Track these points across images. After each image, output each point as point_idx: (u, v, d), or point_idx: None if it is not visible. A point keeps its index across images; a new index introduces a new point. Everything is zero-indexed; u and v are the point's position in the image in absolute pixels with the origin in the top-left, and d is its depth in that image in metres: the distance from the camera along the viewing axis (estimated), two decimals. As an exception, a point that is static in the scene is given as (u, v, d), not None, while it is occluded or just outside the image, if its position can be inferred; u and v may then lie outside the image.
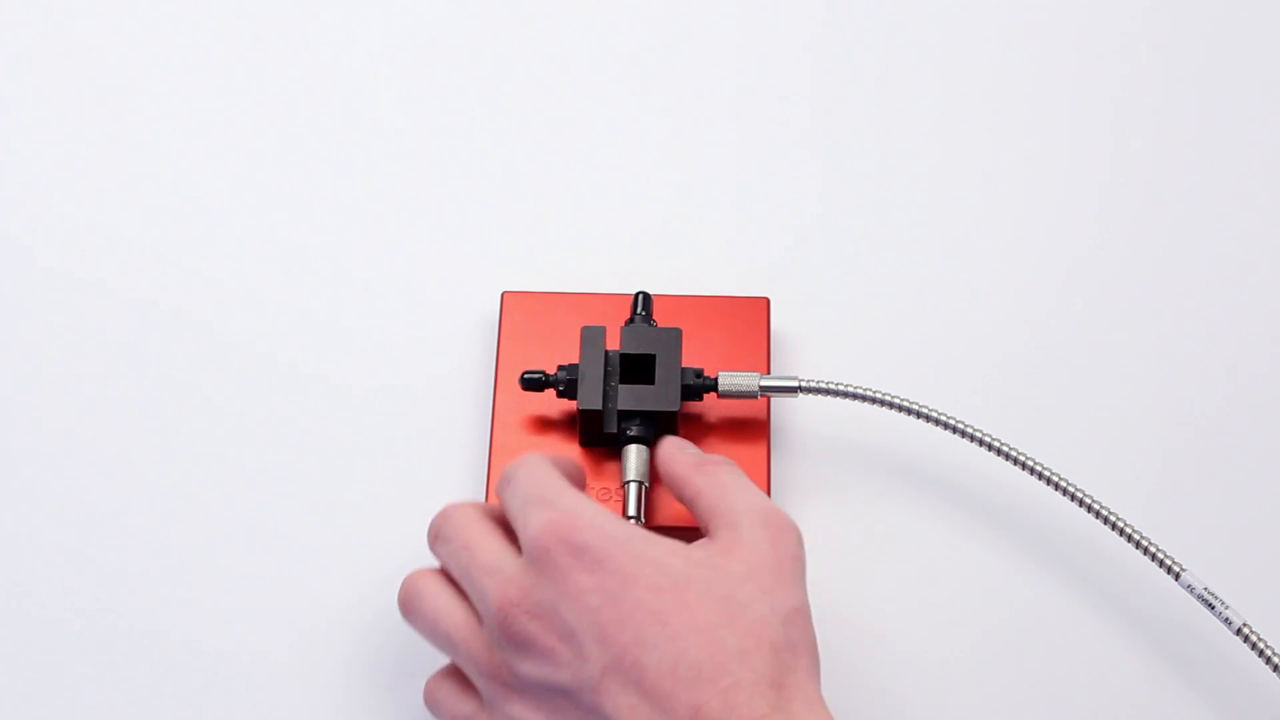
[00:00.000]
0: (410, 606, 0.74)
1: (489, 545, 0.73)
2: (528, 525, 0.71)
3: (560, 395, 0.81)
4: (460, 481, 0.82)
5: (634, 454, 0.79)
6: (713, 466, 0.75)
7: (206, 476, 0.83)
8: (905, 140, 0.93)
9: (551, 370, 0.83)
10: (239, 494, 0.83)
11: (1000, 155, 0.92)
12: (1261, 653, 0.75)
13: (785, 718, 0.67)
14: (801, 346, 0.86)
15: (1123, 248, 0.89)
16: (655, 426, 0.80)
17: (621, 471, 0.79)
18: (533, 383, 0.81)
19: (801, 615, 0.71)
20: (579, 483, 0.76)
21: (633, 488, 0.79)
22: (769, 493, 0.81)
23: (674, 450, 0.77)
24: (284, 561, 0.81)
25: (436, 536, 0.74)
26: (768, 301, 0.85)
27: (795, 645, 0.70)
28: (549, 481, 0.73)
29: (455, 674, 0.75)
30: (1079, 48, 0.95)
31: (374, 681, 0.78)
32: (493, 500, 0.80)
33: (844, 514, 0.82)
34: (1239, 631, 0.76)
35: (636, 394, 0.80)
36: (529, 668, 0.70)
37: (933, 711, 0.78)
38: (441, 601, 0.73)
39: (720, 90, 0.94)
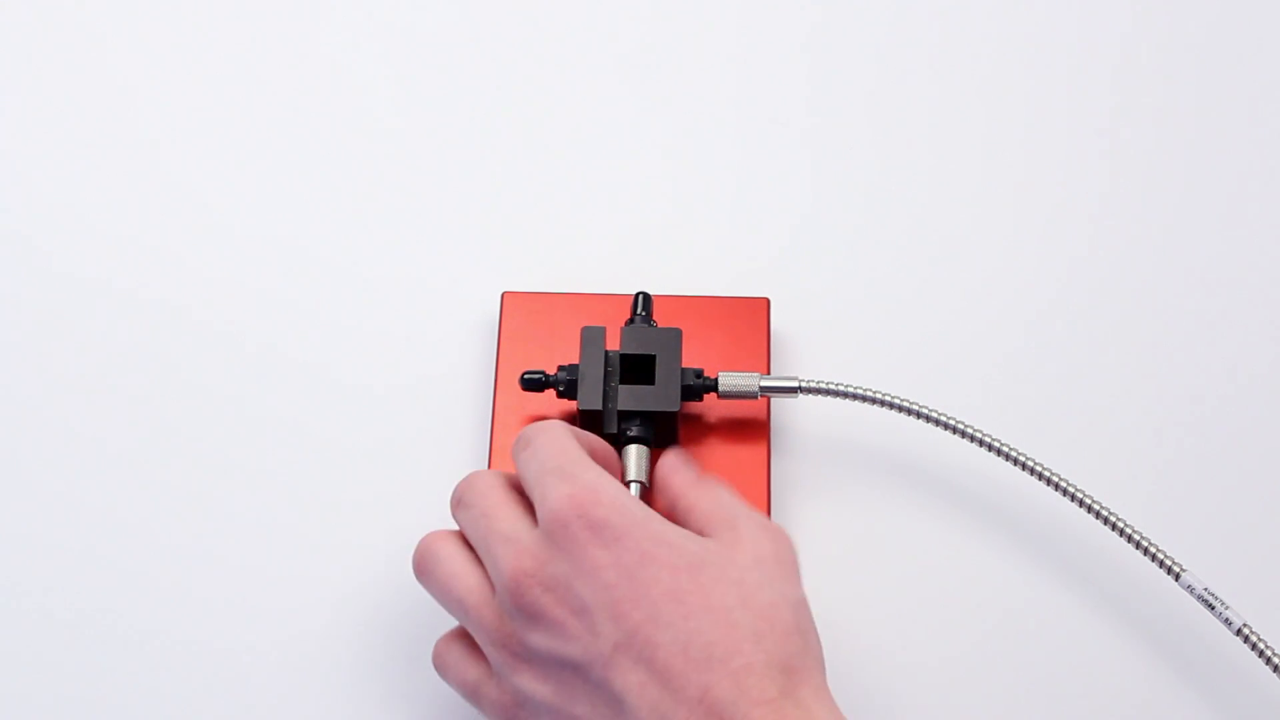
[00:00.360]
0: (424, 568, 0.74)
1: (508, 514, 0.72)
2: (546, 497, 0.71)
3: (560, 396, 0.81)
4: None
5: (634, 454, 0.79)
6: (712, 484, 0.76)
7: (206, 476, 0.83)
8: (904, 140, 0.93)
9: (551, 370, 0.83)
10: (239, 493, 0.83)
11: (999, 155, 0.92)
12: (1261, 653, 0.75)
13: (793, 702, 0.67)
14: (801, 346, 0.86)
15: (1122, 247, 0.89)
16: (655, 427, 0.80)
17: (622, 471, 0.79)
18: (533, 383, 0.81)
19: (806, 606, 0.72)
20: (607, 462, 0.76)
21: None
22: (769, 492, 0.81)
23: (678, 463, 0.77)
24: (284, 561, 0.81)
25: (459, 502, 0.74)
26: (768, 301, 0.85)
27: (805, 631, 0.70)
28: (570, 453, 0.73)
29: (465, 636, 0.74)
30: (1077, 47, 0.95)
31: (373, 680, 0.78)
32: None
33: (844, 514, 0.82)
34: (1239, 631, 0.76)
35: (636, 394, 0.80)
36: (539, 639, 0.70)
37: (932, 711, 0.78)
38: (456, 565, 0.73)
39: (719, 90, 0.94)
